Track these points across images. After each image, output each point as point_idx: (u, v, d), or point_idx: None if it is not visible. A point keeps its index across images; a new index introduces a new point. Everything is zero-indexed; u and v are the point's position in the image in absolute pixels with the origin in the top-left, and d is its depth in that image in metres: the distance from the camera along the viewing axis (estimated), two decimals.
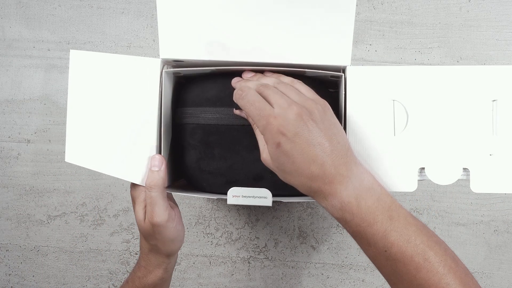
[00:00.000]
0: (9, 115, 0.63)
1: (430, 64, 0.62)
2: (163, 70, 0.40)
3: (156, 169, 0.40)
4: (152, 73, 0.40)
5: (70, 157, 0.41)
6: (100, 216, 0.63)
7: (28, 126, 0.63)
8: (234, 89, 0.39)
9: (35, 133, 0.63)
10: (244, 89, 0.37)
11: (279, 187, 0.40)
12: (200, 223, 0.63)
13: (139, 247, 0.59)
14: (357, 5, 0.62)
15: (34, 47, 0.63)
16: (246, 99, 0.36)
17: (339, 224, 0.62)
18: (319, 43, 0.39)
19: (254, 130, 0.37)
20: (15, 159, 0.63)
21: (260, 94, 0.36)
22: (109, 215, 0.63)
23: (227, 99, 0.40)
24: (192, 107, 0.42)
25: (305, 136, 0.34)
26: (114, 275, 0.63)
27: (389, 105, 0.38)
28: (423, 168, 0.38)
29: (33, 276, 0.64)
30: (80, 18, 0.63)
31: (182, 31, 0.39)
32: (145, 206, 0.41)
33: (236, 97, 0.37)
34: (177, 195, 0.57)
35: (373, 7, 0.62)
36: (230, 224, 0.63)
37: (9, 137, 0.63)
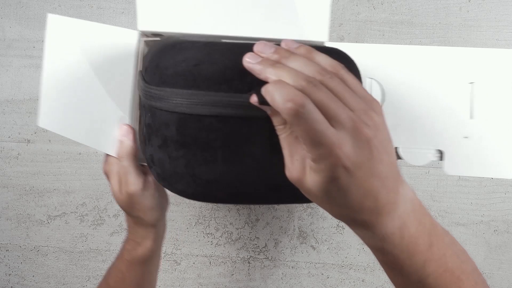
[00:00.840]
0: (9, 115, 0.63)
1: None
2: (142, 39, 0.38)
3: (125, 138, 0.39)
4: (129, 44, 0.38)
5: (43, 122, 0.40)
6: (100, 216, 0.63)
7: (28, 126, 0.63)
8: (242, 66, 0.30)
9: (35, 133, 0.63)
10: (299, 101, 0.25)
11: (300, 198, 0.32)
12: (200, 223, 0.63)
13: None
14: (357, 5, 0.62)
15: (34, 47, 0.63)
16: (324, 93, 0.27)
17: (339, 224, 0.62)
18: (296, 18, 0.37)
19: (282, 134, 0.29)
20: (15, 159, 0.63)
21: (309, 97, 0.26)
22: (109, 215, 0.63)
23: (236, 81, 0.30)
24: (182, 89, 0.31)
25: (366, 167, 0.27)
26: None
27: (365, 83, 0.38)
28: (397, 148, 0.38)
29: (33, 276, 0.64)
30: (80, 18, 0.63)
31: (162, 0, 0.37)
32: (120, 178, 0.40)
33: (304, 86, 0.26)
34: (173, 196, 0.58)
35: (373, 7, 0.62)
36: (230, 224, 0.63)
37: (9, 137, 0.63)
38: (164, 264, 0.63)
